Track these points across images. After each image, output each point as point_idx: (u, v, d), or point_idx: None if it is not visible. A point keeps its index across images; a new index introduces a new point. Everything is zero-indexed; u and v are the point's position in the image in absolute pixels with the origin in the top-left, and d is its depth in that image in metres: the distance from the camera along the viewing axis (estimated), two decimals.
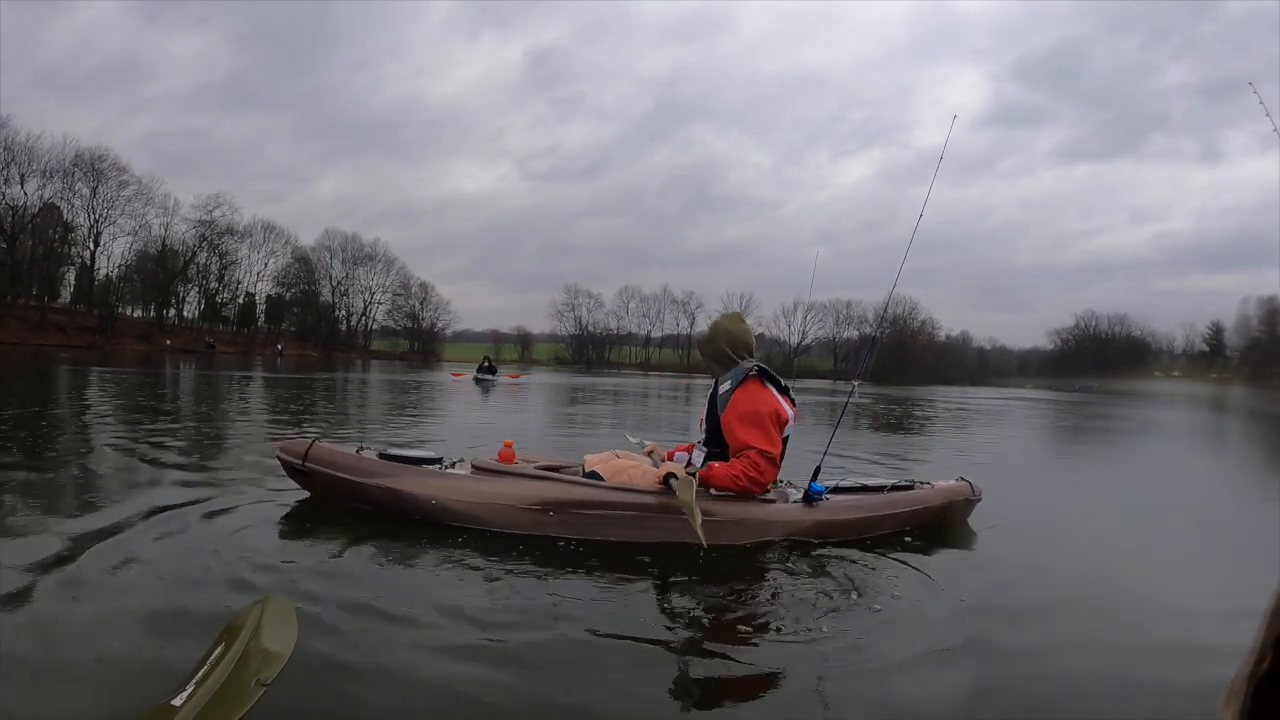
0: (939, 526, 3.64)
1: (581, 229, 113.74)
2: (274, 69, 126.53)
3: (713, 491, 3.16)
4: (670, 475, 3.15)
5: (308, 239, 68.63)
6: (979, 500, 3.82)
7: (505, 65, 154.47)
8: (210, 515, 3.34)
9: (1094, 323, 75.21)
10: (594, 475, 3.29)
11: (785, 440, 3.33)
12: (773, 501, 3.28)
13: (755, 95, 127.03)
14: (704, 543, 2.71)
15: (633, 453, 3.55)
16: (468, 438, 7.17)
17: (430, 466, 3.43)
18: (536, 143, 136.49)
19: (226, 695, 1.39)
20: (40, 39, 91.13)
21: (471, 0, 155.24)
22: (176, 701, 1.36)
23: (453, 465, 3.48)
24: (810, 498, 3.35)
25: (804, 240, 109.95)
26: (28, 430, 6.48)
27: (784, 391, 3.32)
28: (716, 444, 3.29)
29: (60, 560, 2.60)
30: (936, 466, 6.19)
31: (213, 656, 1.52)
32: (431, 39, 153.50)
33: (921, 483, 3.79)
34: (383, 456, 3.46)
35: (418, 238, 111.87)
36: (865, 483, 3.71)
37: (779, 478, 3.41)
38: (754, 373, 3.26)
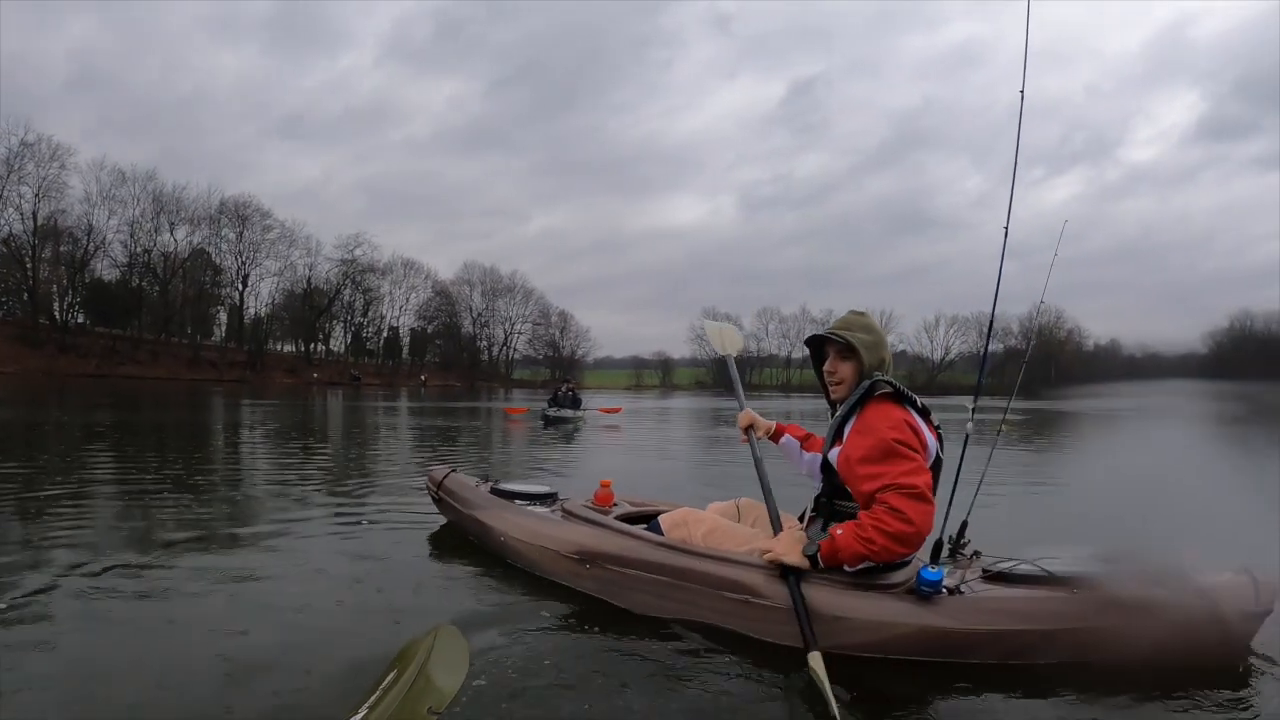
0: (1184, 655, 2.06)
1: (779, 256, 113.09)
2: (527, 112, 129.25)
3: (846, 569, 2.25)
4: (784, 566, 2.25)
5: (447, 274, 72.46)
6: (1269, 611, 2.18)
7: (760, 100, 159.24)
8: (361, 539, 3.51)
9: (1249, 323, 67.94)
10: (656, 526, 2.69)
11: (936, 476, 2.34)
12: (876, 586, 2.23)
13: (988, 123, 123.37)
14: None
15: (759, 503, 2.70)
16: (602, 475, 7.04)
17: (526, 503, 3.23)
18: (766, 171, 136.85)
19: None
20: (290, 86, 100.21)
21: (737, 39, 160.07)
22: None
23: (556, 504, 3.25)
24: (921, 589, 2.18)
25: (986, 256, 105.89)
26: (184, 455, 7.03)
27: (924, 415, 2.34)
28: (827, 493, 2.41)
29: (224, 579, 2.81)
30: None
31: (385, 682, 1.55)
32: (693, 79, 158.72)
33: None
34: (493, 490, 3.38)
35: (613, 269, 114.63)
36: (1049, 568, 2.30)
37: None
38: (884, 389, 2.30)
